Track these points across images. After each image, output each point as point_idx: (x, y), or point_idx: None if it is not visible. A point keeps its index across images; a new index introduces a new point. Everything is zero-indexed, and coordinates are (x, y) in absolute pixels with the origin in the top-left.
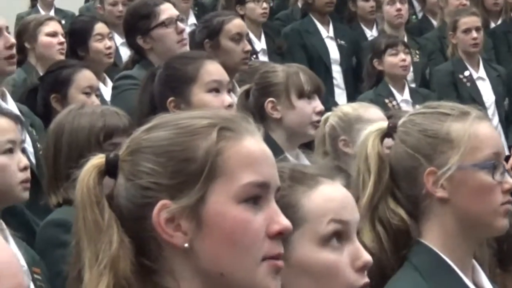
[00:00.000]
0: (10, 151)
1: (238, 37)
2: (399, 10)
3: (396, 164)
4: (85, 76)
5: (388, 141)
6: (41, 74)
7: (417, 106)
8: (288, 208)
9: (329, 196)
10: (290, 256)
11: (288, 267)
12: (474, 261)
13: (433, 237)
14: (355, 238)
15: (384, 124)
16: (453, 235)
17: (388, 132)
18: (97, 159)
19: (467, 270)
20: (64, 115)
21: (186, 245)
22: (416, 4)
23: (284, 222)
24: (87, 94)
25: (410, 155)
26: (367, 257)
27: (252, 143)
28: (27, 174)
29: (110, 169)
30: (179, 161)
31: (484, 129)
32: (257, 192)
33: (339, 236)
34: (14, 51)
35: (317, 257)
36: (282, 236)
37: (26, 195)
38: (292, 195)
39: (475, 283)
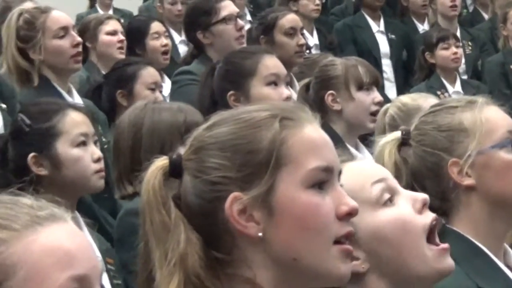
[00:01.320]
0: (83, 143)
1: (292, 32)
2: (453, 1)
3: (418, 165)
4: (149, 73)
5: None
6: (103, 71)
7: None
8: None
9: (359, 168)
10: (360, 228)
11: (362, 243)
12: (505, 244)
13: (465, 224)
14: (402, 189)
15: (398, 133)
16: (483, 220)
17: (403, 140)
18: (161, 161)
19: (499, 254)
20: (140, 110)
21: (259, 234)
22: None
23: (351, 203)
24: (152, 90)
25: (429, 153)
26: (422, 195)
27: (312, 130)
28: (101, 164)
29: (174, 170)
30: (245, 153)
31: (493, 111)
32: (323, 176)
33: (388, 193)
34: (80, 49)
35: (380, 219)
36: (350, 217)
37: (101, 183)
38: None
39: (507, 266)
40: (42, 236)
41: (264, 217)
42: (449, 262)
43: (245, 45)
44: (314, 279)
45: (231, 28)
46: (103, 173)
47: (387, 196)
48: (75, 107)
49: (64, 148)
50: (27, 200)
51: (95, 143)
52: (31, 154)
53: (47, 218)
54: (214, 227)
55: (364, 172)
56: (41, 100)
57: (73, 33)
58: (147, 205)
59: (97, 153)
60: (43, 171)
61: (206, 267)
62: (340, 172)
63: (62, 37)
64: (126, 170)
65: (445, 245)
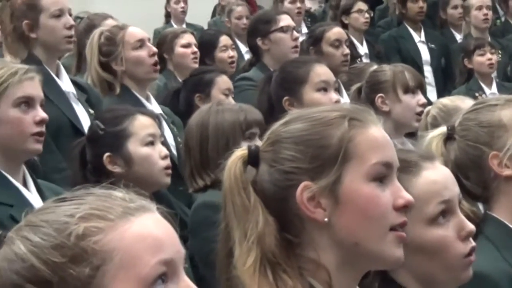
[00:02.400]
0: (151, 143)
1: (338, 43)
2: (485, 15)
3: (462, 158)
4: (224, 80)
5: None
6: (179, 79)
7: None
8: None
9: (432, 180)
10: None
11: (404, 246)
12: None
13: (504, 211)
14: (458, 211)
15: (443, 128)
16: None
17: (449, 135)
18: (240, 151)
19: None
20: (205, 111)
21: (326, 219)
22: (499, 9)
23: (407, 196)
24: (226, 95)
25: (472, 146)
26: (470, 226)
27: (376, 130)
28: (168, 161)
29: (252, 159)
30: (316, 148)
31: None
32: (383, 171)
33: (445, 213)
34: (156, 58)
35: (428, 236)
36: (406, 209)
37: (168, 180)
38: (401, 183)
39: None
40: (134, 225)
41: (330, 205)
42: (470, 273)
43: (298, 55)
44: (372, 262)
45: (287, 37)
46: (169, 171)
47: (441, 220)
48: (143, 112)
49: (134, 147)
50: (119, 193)
51: (162, 143)
52: (106, 154)
53: (137, 209)
54: (286, 211)
55: (438, 186)
56: (114, 107)
57: (149, 44)
58: (228, 189)
59: (164, 151)
60: (117, 169)
61: (281, 246)
62: (398, 168)
63: (139, 48)
64: (196, 166)
65: (472, 258)
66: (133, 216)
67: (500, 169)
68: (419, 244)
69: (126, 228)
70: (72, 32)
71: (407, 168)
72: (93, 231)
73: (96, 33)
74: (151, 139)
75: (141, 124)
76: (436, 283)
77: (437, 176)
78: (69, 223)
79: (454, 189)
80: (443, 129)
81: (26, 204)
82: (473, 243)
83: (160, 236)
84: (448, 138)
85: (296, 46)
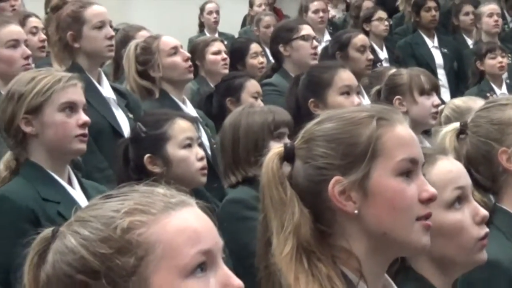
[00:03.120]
0: (189, 145)
1: (363, 49)
2: (496, 21)
3: (473, 152)
4: (253, 84)
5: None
6: (211, 84)
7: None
8: None
9: (447, 169)
10: None
11: None
12: None
13: (511, 203)
14: (472, 198)
15: (456, 124)
16: None
17: (461, 130)
18: (277, 149)
19: None
20: (237, 113)
21: (355, 211)
22: (507, 16)
23: (431, 190)
24: (255, 98)
25: (483, 142)
26: (484, 212)
27: (403, 129)
28: (204, 163)
29: (288, 156)
30: (347, 145)
31: None
32: (409, 166)
33: (460, 199)
34: (190, 63)
35: (446, 219)
36: (430, 202)
37: (204, 179)
38: None
39: None
40: (175, 218)
41: (360, 198)
42: (484, 256)
43: (317, 62)
44: (400, 250)
45: (307, 45)
46: (205, 171)
47: (457, 205)
48: (182, 116)
49: (173, 149)
50: (160, 189)
51: (199, 145)
52: (147, 155)
53: (178, 204)
54: (319, 204)
55: (452, 174)
56: (155, 111)
57: (182, 50)
58: (266, 184)
59: (201, 153)
60: (156, 169)
61: (315, 236)
62: (423, 164)
63: (174, 54)
64: (229, 163)
65: (485, 242)
66: (174, 210)
67: (508, 164)
68: (438, 227)
69: (167, 221)
70: (113, 41)
71: (424, 159)
72: (137, 225)
73: (132, 45)
74: (188, 142)
75: (180, 128)
76: (452, 265)
77: (451, 166)
78: (115, 217)
79: (467, 179)
80: (456, 124)
81: (71, 201)
82: (486, 229)
83: (199, 228)
84: (461, 133)
85: (315, 54)
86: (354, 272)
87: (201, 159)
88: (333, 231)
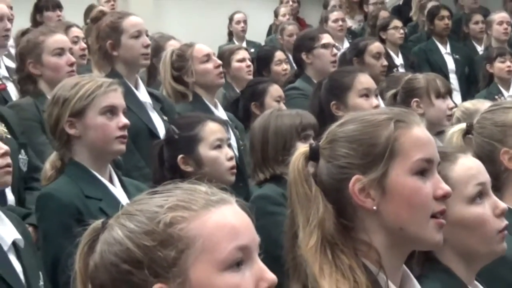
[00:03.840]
0: (219, 146)
1: (378, 55)
2: (506, 29)
3: (478, 152)
4: (275, 88)
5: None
6: (236, 89)
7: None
8: None
9: (468, 166)
10: (448, 215)
11: (448, 223)
12: None
13: None
14: (491, 193)
15: (463, 125)
16: None
17: (467, 131)
18: (303, 149)
19: None
20: (267, 116)
21: (374, 207)
22: None
23: (446, 187)
24: (278, 101)
25: (487, 142)
26: (503, 205)
27: (419, 130)
28: (233, 162)
29: (313, 155)
30: (367, 146)
31: None
32: (425, 165)
33: (481, 194)
34: (221, 69)
35: (469, 213)
36: (445, 198)
37: (233, 178)
38: (441, 170)
39: None
40: (215, 215)
41: (378, 195)
42: (504, 246)
43: (336, 68)
44: (415, 244)
45: (328, 52)
46: (234, 170)
47: (478, 200)
48: (212, 119)
49: (204, 150)
50: (202, 187)
51: (228, 146)
52: (180, 156)
53: (218, 201)
54: (341, 200)
55: (473, 171)
56: (187, 114)
57: (214, 57)
58: (293, 181)
59: (230, 153)
60: (189, 169)
61: (338, 230)
62: (438, 163)
63: (206, 61)
64: (258, 162)
65: (505, 233)
66: (214, 207)
67: (510, 163)
68: (462, 220)
69: (207, 217)
70: (149, 50)
71: (446, 157)
72: (179, 220)
73: (168, 52)
74: (219, 143)
75: (211, 130)
76: (476, 256)
77: (472, 163)
78: (159, 212)
79: (486, 175)
80: (462, 125)
81: (112, 198)
82: (505, 221)
83: (237, 225)
84: (467, 133)
85: (334, 61)
86: (374, 263)
87: (230, 159)
88: (355, 225)
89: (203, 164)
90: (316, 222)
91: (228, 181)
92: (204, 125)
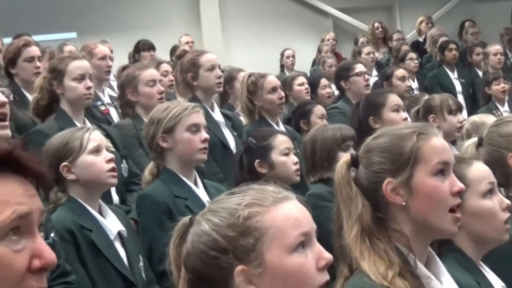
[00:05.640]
0: (287, 154)
1: (403, 79)
2: (499, 59)
3: (489, 159)
4: (319, 108)
5: None
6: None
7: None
8: (458, 178)
9: (481, 168)
10: (464, 207)
11: (464, 214)
12: None
13: None
14: (498, 191)
15: (475, 139)
16: None
17: (479, 143)
18: (345, 158)
19: None
20: (315, 131)
21: (403, 203)
22: (508, 53)
23: (460, 185)
24: (321, 119)
25: (495, 150)
26: (507, 201)
27: (437, 139)
28: (297, 166)
29: (353, 163)
30: (395, 155)
31: None
32: (442, 167)
33: (491, 191)
34: (283, 100)
35: (482, 205)
36: (459, 194)
37: (298, 179)
38: (460, 171)
39: None
40: (282, 209)
41: (406, 193)
42: (507, 237)
43: (369, 91)
44: (436, 233)
45: (361, 79)
46: (299, 172)
47: (488, 195)
48: (281, 132)
49: (276, 156)
50: (270, 187)
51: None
52: (257, 161)
53: (283, 198)
54: (376, 198)
55: (485, 173)
56: (261, 129)
57: (280, 90)
58: (338, 184)
59: (295, 159)
60: (263, 171)
61: (375, 222)
62: (453, 165)
63: (273, 92)
64: (309, 168)
65: (508, 226)
66: (281, 203)
67: None
68: (476, 211)
69: (276, 211)
70: (221, 80)
71: (464, 161)
72: (254, 214)
73: (245, 76)
74: (287, 151)
75: (280, 140)
76: (485, 241)
77: (483, 166)
78: (238, 209)
79: (493, 177)
80: (475, 139)
81: (196, 197)
82: (508, 214)
83: (299, 216)
84: (479, 144)
85: (367, 85)
86: (405, 247)
87: (296, 163)
88: (388, 217)
89: (274, 167)
90: (356, 217)
91: (295, 180)
92: (275, 137)
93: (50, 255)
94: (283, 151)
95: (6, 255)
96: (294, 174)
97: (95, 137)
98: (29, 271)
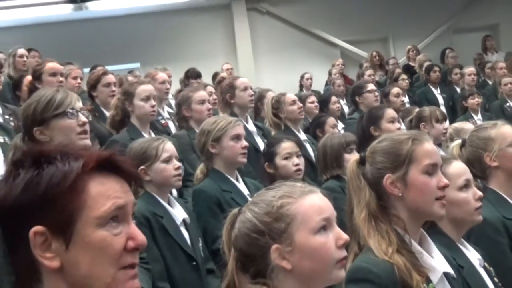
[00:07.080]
0: (287, 158)
1: (398, 96)
2: (473, 79)
3: (470, 157)
4: (331, 120)
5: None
6: (309, 120)
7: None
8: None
9: (459, 167)
10: (446, 197)
11: (448, 203)
12: None
13: (495, 185)
14: (473, 185)
15: (459, 141)
16: (505, 182)
17: (462, 144)
18: (355, 157)
19: None
20: (325, 138)
21: (400, 194)
22: (480, 73)
23: (445, 181)
24: (333, 128)
25: (475, 150)
26: (480, 193)
27: (428, 144)
28: (298, 167)
29: (362, 161)
30: (394, 155)
31: (507, 128)
32: (432, 167)
33: (466, 186)
34: (302, 109)
35: (459, 196)
36: (445, 188)
37: (299, 178)
38: (442, 168)
39: None
40: (307, 200)
41: (402, 186)
42: (481, 218)
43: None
44: (427, 216)
45: (372, 95)
46: (300, 172)
47: (465, 188)
48: (287, 139)
49: (278, 160)
50: (298, 183)
51: (297, 156)
52: (266, 164)
53: (309, 191)
54: (379, 189)
55: (462, 170)
56: (273, 137)
57: (299, 103)
58: (349, 177)
59: (296, 161)
60: (271, 172)
61: (378, 208)
62: (441, 166)
63: (293, 104)
64: (322, 168)
65: (481, 210)
66: (307, 195)
67: (491, 162)
68: (453, 201)
69: (303, 201)
70: (253, 98)
71: (445, 161)
72: (286, 204)
73: (270, 98)
74: (288, 156)
75: (283, 147)
76: (462, 224)
77: (461, 165)
78: (273, 200)
79: (470, 174)
80: (459, 141)
81: (238, 190)
82: (480, 203)
83: (322, 205)
84: (462, 146)
85: (377, 100)
86: (402, 229)
87: (296, 165)
88: (388, 205)
89: (278, 169)
90: (364, 203)
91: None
92: (279, 144)
93: (141, 237)
94: (284, 155)
95: (108, 237)
96: (295, 174)
97: (168, 148)
98: (125, 250)
